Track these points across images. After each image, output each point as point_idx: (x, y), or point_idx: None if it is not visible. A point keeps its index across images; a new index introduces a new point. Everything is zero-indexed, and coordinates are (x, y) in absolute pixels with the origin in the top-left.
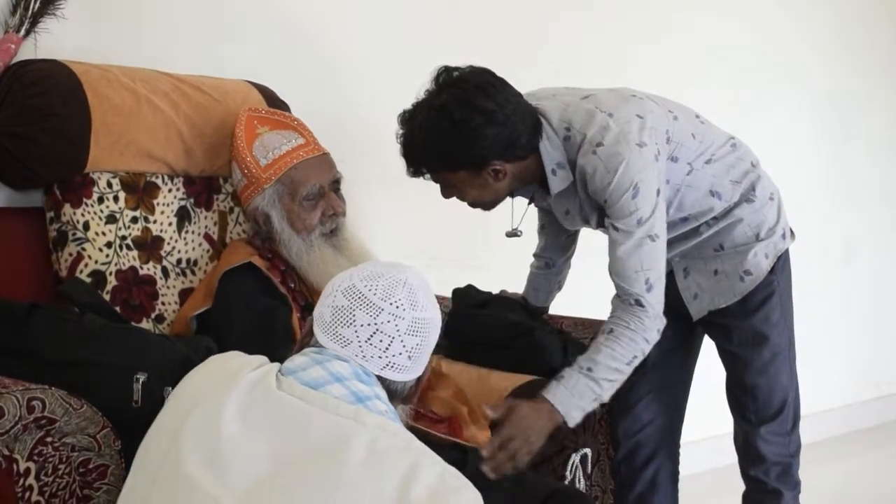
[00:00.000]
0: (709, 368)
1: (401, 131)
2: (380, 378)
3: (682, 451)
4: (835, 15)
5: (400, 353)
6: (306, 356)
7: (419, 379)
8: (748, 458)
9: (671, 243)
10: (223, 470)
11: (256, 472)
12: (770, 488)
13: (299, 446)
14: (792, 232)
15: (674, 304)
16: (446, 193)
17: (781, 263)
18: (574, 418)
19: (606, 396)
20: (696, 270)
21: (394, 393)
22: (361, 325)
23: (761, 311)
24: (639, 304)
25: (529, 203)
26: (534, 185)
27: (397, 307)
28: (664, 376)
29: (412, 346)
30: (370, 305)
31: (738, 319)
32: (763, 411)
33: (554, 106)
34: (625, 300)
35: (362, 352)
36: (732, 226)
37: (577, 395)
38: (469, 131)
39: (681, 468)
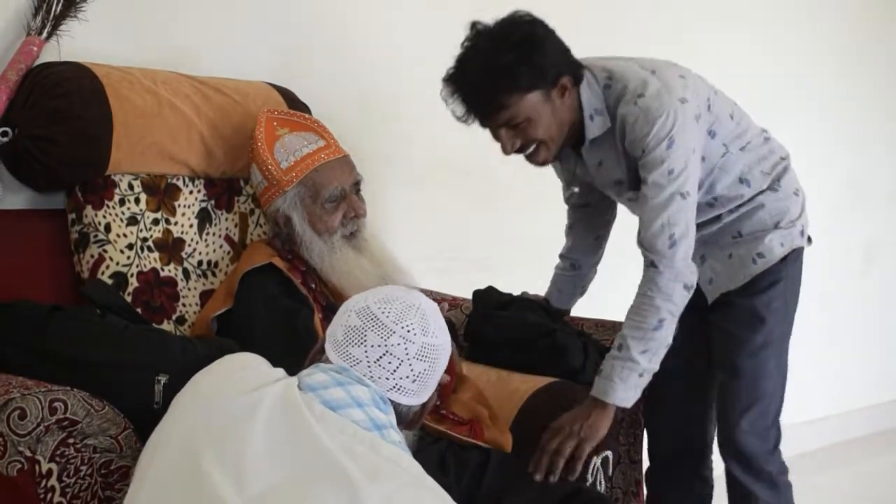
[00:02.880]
0: None
1: (457, 81)
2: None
3: None
4: (849, 18)
5: (407, 377)
6: (327, 375)
7: (424, 405)
8: (727, 451)
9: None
10: (248, 485)
11: (273, 488)
12: (745, 483)
13: (316, 474)
14: (809, 238)
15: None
16: (514, 137)
17: (794, 257)
18: (627, 400)
19: (654, 365)
20: (712, 257)
21: (399, 416)
22: (372, 346)
23: (765, 294)
24: (653, 265)
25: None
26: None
27: (409, 331)
28: (695, 382)
29: (420, 371)
30: (382, 327)
31: (741, 297)
32: (746, 397)
33: (594, 61)
34: (645, 264)
35: (370, 372)
36: (753, 212)
37: (617, 378)
38: (532, 45)
39: None
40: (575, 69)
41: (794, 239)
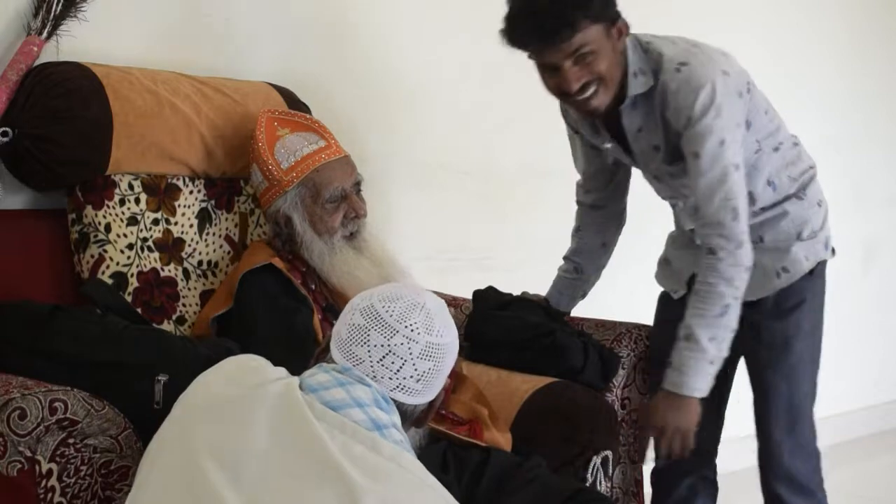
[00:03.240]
0: None
1: (526, 11)
2: (392, 400)
3: None
4: (850, 19)
5: (411, 377)
6: (329, 374)
7: (432, 403)
8: (774, 474)
9: None
10: (247, 486)
11: (272, 488)
12: None
13: (315, 473)
14: (833, 249)
15: None
16: (579, 71)
17: (819, 271)
18: (701, 389)
19: (723, 352)
20: None
21: (404, 415)
22: (375, 346)
23: (792, 316)
24: (711, 252)
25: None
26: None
27: (412, 330)
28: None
29: (424, 371)
30: (385, 326)
31: (769, 320)
32: (786, 419)
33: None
34: (703, 252)
35: (374, 372)
36: (777, 219)
37: (688, 370)
38: None
39: None
40: (624, 20)
41: (819, 252)
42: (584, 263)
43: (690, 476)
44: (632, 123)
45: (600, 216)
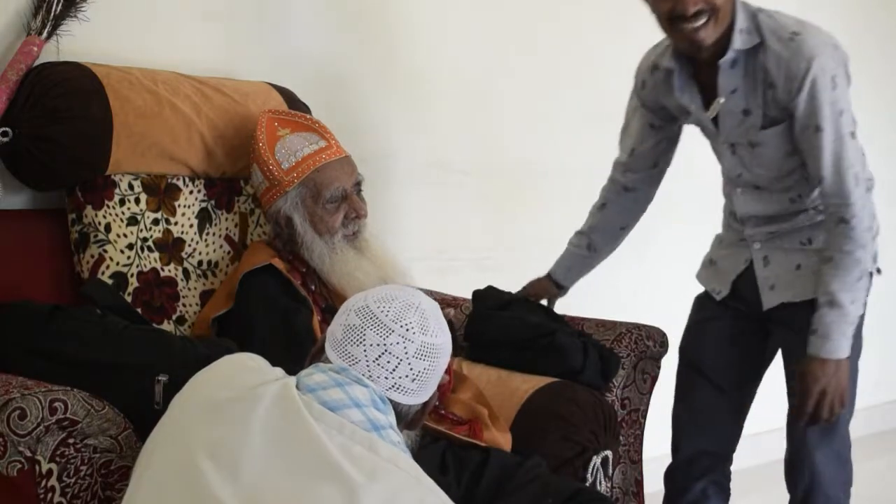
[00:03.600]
0: None
1: None
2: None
3: None
4: (848, 19)
5: (406, 376)
6: (326, 375)
7: (425, 405)
8: (801, 479)
9: (768, 217)
10: (245, 486)
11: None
12: None
13: (314, 473)
14: (879, 269)
15: (746, 305)
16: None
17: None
18: (846, 349)
19: (860, 311)
20: (776, 262)
21: (399, 416)
22: (371, 345)
23: None
24: (843, 221)
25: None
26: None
27: (407, 330)
28: (733, 387)
29: (419, 370)
30: (381, 326)
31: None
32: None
33: None
34: (830, 218)
35: (369, 371)
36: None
37: (838, 335)
38: None
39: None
40: None
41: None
42: (598, 242)
43: (704, 479)
44: (727, 83)
45: (630, 199)
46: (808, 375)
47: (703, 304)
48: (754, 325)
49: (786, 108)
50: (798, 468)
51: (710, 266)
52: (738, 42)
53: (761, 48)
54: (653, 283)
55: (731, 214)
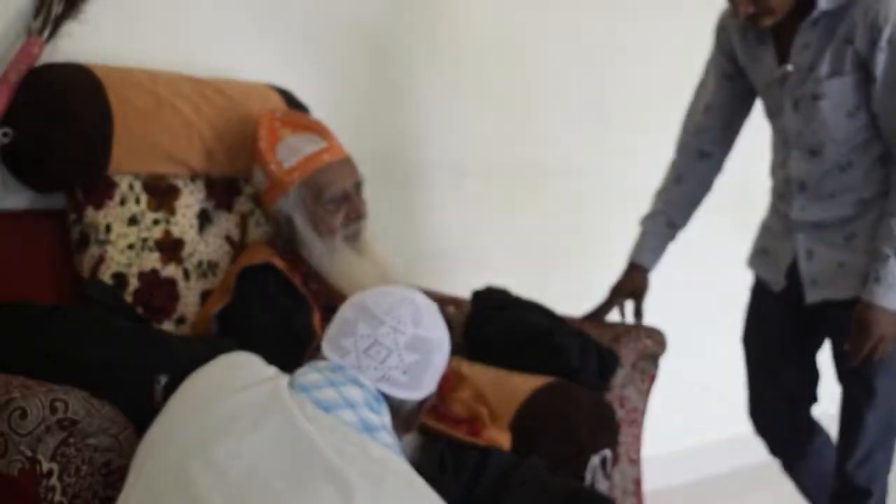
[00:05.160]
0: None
1: None
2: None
3: (700, 453)
4: None
5: (397, 367)
6: (321, 374)
7: (422, 403)
8: (852, 459)
9: (817, 191)
10: (235, 486)
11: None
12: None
13: (305, 474)
14: None
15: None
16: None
17: None
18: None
19: None
20: (819, 258)
21: (392, 410)
22: (361, 336)
23: None
24: None
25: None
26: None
27: (399, 321)
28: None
29: (410, 362)
30: (373, 318)
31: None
32: (882, 420)
33: None
34: None
35: (359, 362)
36: (871, 215)
37: (893, 283)
38: None
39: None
40: None
41: None
42: (677, 217)
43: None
44: (803, 38)
45: (706, 166)
46: (870, 320)
47: (760, 297)
48: (793, 317)
49: (864, 63)
50: (849, 452)
51: (763, 255)
52: (824, 3)
53: (849, 5)
54: (654, 283)
55: (779, 197)
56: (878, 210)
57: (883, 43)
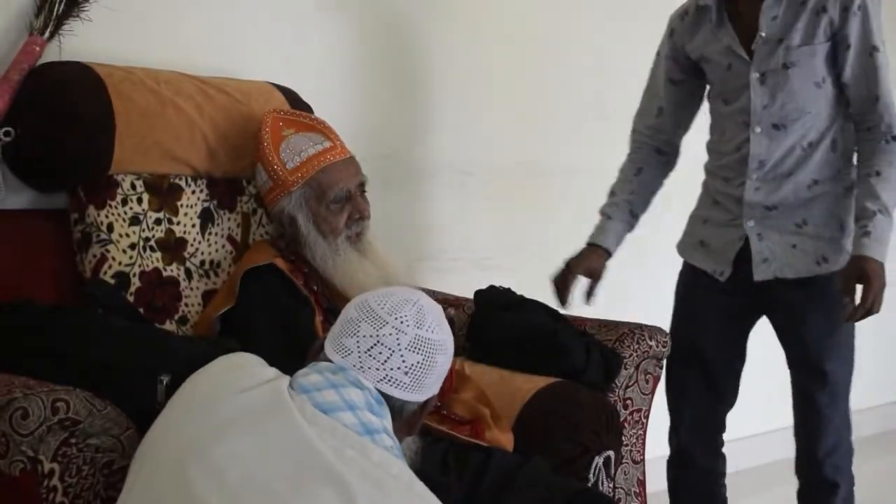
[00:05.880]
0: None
1: None
2: (382, 395)
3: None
4: None
5: (398, 368)
6: (322, 375)
7: (424, 405)
8: (818, 444)
9: (775, 171)
10: (233, 488)
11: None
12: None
13: (304, 476)
14: None
15: (745, 283)
16: None
17: None
18: (885, 255)
19: None
20: (770, 240)
21: (395, 412)
22: (364, 336)
23: (838, 304)
24: (894, 139)
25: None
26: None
27: (402, 322)
28: (716, 370)
29: (412, 363)
30: (376, 318)
31: (812, 314)
32: (831, 411)
33: None
34: (881, 138)
35: (361, 362)
36: (821, 200)
37: (887, 239)
38: None
39: None
40: None
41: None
42: (638, 207)
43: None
44: (772, 13)
45: (663, 161)
46: (870, 274)
47: (692, 284)
48: (749, 301)
49: (837, 31)
50: (813, 440)
51: (700, 247)
52: None
53: None
54: (654, 283)
55: (725, 181)
56: (828, 196)
57: (855, 8)
